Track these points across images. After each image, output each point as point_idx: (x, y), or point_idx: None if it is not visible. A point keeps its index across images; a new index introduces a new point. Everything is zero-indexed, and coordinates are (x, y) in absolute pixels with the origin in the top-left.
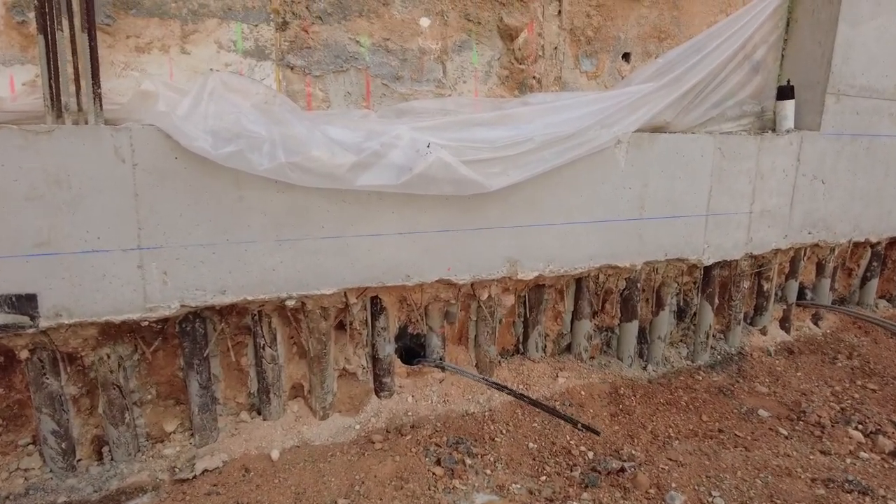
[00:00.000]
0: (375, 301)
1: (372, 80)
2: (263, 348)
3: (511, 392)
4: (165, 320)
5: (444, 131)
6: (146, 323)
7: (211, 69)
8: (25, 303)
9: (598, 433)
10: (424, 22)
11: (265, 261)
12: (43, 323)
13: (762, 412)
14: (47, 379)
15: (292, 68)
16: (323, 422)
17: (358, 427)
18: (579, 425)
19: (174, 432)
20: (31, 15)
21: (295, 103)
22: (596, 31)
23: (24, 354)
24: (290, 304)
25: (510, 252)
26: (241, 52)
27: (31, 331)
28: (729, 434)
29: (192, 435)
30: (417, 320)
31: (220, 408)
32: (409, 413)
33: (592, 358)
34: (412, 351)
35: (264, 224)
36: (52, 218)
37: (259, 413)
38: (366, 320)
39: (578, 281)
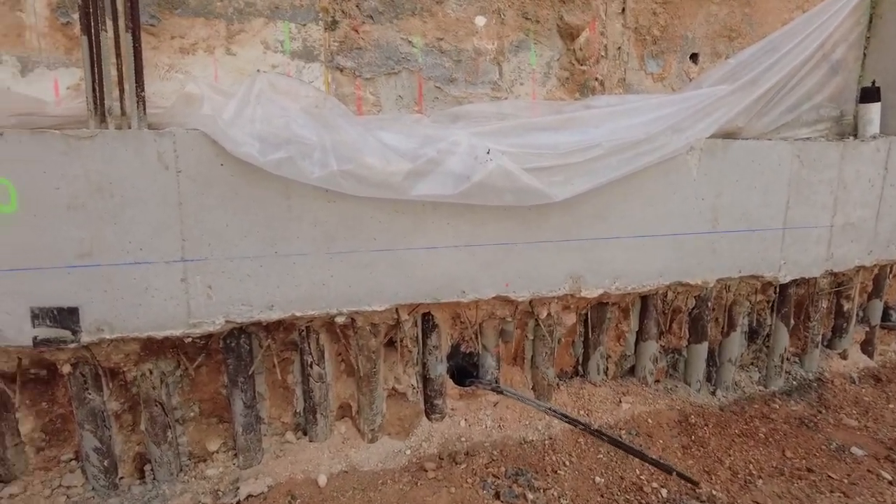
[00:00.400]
0: (427, 318)
1: (424, 82)
2: (311, 366)
3: (576, 423)
4: (209, 336)
5: (503, 136)
6: (189, 339)
7: (258, 70)
8: (67, 316)
9: (696, 484)
10: (480, 21)
11: (315, 274)
12: (84, 338)
13: (856, 450)
14: (89, 394)
15: (342, 70)
16: (372, 445)
17: (409, 452)
18: (674, 473)
19: (217, 452)
20: (76, 16)
21: (346, 107)
22: (662, 30)
23: (66, 369)
24: (339, 320)
25: (573, 267)
26: (289, 53)
27: (72, 345)
28: (820, 475)
29: (235, 455)
30: (471, 339)
31: (264, 427)
32: (463, 438)
33: (658, 382)
34: (464, 371)
35: (314, 236)
36: (94, 228)
37: (305, 434)
38: (416, 338)
39: (644, 299)
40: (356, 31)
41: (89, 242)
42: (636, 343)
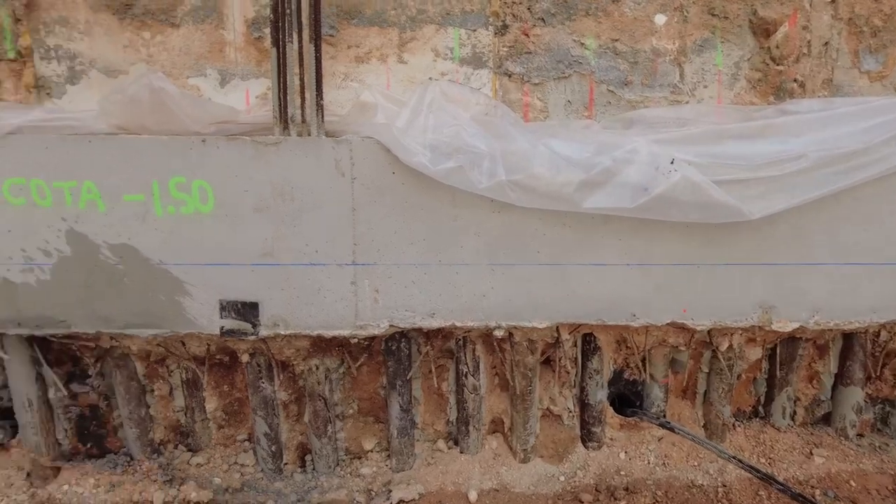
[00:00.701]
0: (589, 339)
1: (596, 86)
2: (466, 376)
3: (762, 476)
4: (372, 337)
5: (688, 144)
6: (355, 339)
7: (430, 78)
8: (249, 311)
9: None
10: (660, 19)
11: (476, 286)
12: (263, 331)
13: None
14: (263, 383)
15: (510, 76)
16: (523, 465)
17: (563, 479)
18: None
19: (372, 451)
20: (266, 30)
21: (515, 114)
22: (886, 19)
23: (245, 358)
24: (498, 333)
25: (763, 295)
26: (458, 60)
27: (251, 338)
28: None
29: (388, 457)
30: (636, 366)
31: (417, 433)
32: (622, 472)
33: (861, 436)
34: (626, 399)
35: (477, 246)
36: (275, 229)
37: (456, 444)
38: (576, 359)
39: (848, 337)
40: (526, 34)
41: (271, 243)
42: (834, 387)
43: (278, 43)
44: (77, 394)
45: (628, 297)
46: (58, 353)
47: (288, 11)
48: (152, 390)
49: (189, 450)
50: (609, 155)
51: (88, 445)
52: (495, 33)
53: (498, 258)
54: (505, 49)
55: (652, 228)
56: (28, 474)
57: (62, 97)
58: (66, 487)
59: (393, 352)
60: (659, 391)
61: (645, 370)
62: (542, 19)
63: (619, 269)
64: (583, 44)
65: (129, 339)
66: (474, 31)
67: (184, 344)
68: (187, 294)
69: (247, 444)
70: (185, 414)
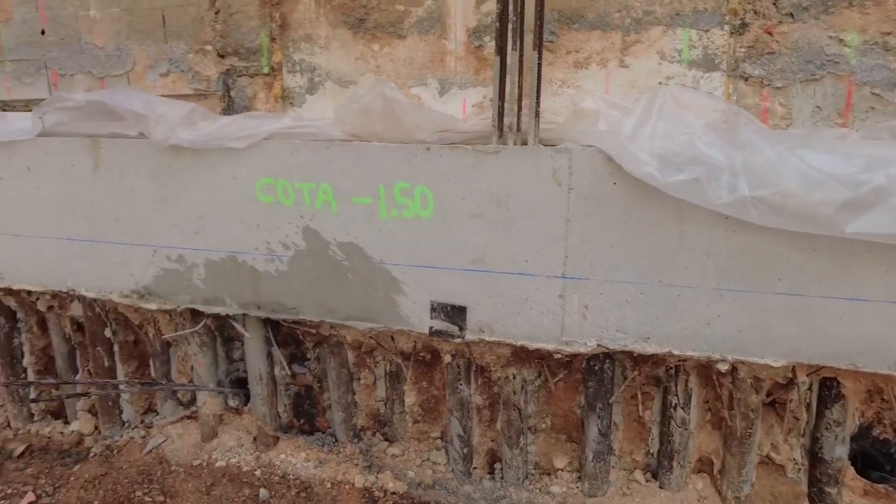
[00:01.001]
0: (829, 384)
1: (856, 88)
2: (674, 408)
3: None
4: (576, 354)
5: None
6: (558, 355)
7: (660, 83)
8: (457, 314)
9: None
10: None
11: (700, 312)
12: (468, 336)
13: None
14: (461, 385)
15: (746, 79)
16: None
17: None
18: None
19: (562, 470)
20: (486, 39)
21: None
22: None
23: (447, 359)
24: (721, 367)
25: None
26: (686, 63)
27: (457, 340)
28: None
29: (580, 479)
30: (893, 423)
31: (613, 459)
32: None
33: None
34: (873, 461)
35: (705, 268)
36: (488, 237)
37: (655, 477)
38: (808, 404)
39: None
40: (769, 33)
41: (483, 249)
42: None
43: (502, 51)
44: (296, 374)
45: (893, 341)
46: (284, 336)
47: (513, 19)
48: (359, 378)
49: (385, 439)
50: (883, 171)
51: (301, 422)
52: (731, 33)
53: (728, 283)
54: (742, 50)
55: None
56: (254, 439)
57: (302, 106)
58: (282, 456)
59: (595, 372)
60: None
61: None
62: (791, 14)
63: (882, 306)
64: (841, 40)
65: (346, 330)
66: (707, 31)
67: (393, 339)
68: (402, 293)
69: (439, 441)
70: (385, 404)
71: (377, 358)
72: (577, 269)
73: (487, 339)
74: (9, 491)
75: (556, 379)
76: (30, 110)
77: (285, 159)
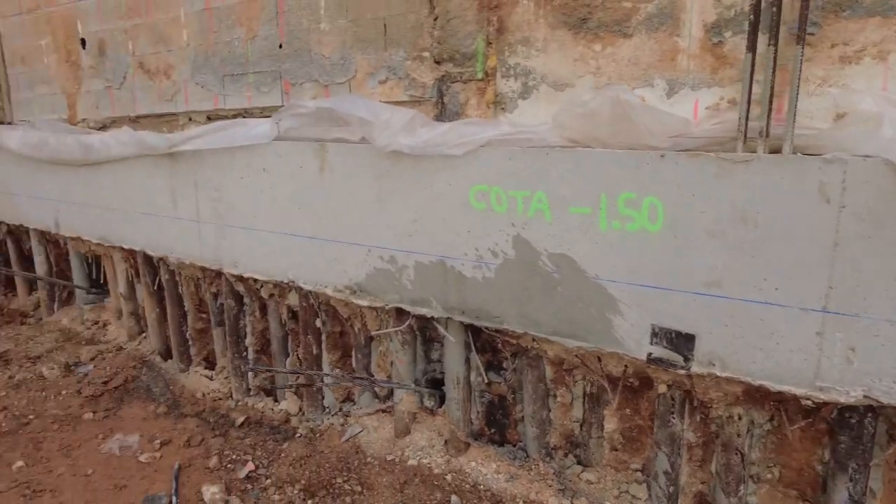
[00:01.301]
0: None
1: None
2: None
3: None
4: (830, 403)
5: None
6: (807, 401)
7: None
8: (683, 342)
9: None
10: None
11: None
12: (695, 368)
13: None
14: (673, 419)
15: None
16: None
17: None
18: None
19: None
20: (727, 34)
21: None
22: None
23: (661, 388)
24: None
25: None
26: None
27: (681, 371)
28: None
29: None
30: None
31: None
32: None
33: None
34: None
35: None
36: (728, 257)
37: None
38: None
39: None
40: None
41: (720, 272)
42: None
43: (753, 46)
44: (492, 382)
45: None
46: (483, 343)
47: (772, 10)
48: (555, 395)
49: (578, 462)
50: None
51: (492, 431)
52: None
53: None
54: None
55: None
56: (445, 442)
57: (514, 111)
58: (472, 464)
59: (850, 425)
60: None
61: None
62: None
63: None
64: None
65: (548, 344)
66: None
67: (599, 360)
68: (619, 313)
69: (639, 474)
70: (582, 427)
71: (577, 377)
72: (845, 303)
73: (718, 373)
74: (233, 456)
75: (794, 426)
76: (266, 116)
77: (501, 166)
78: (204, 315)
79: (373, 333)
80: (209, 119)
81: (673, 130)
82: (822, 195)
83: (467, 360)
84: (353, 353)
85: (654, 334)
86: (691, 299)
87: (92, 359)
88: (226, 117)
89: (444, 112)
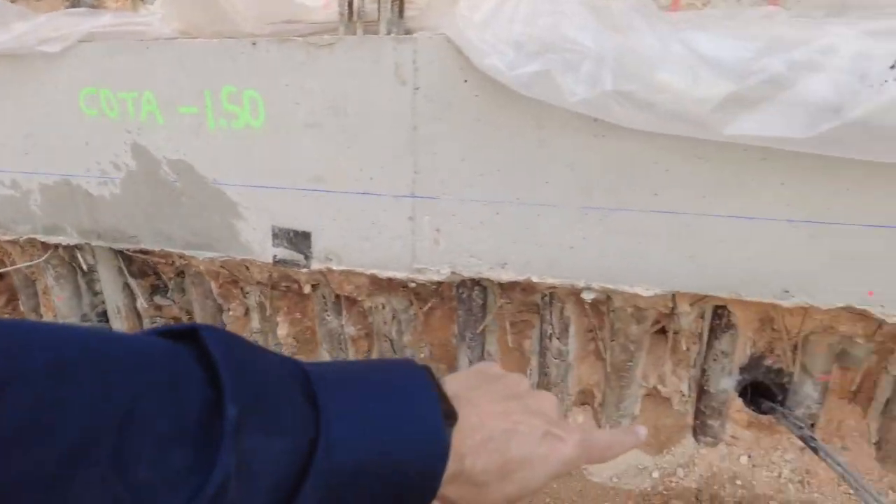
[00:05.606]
0: (721, 312)
1: None
2: (549, 339)
3: None
4: (439, 282)
5: None
6: (413, 284)
7: None
8: (301, 241)
9: None
10: None
11: (562, 234)
12: (314, 265)
13: None
14: (328, 315)
15: None
16: None
17: (656, 475)
18: None
19: None
20: None
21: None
22: None
23: (307, 289)
24: (587, 296)
25: None
26: None
27: (304, 270)
28: None
29: None
30: (784, 353)
31: None
32: (738, 482)
33: None
34: (764, 391)
35: (567, 183)
36: (327, 150)
37: None
38: (700, 334)
39: None
40: None
41: (323, 165)
42: None
43: None
44: (161, 306)
45: (783, 265)
46: (142, 266)
47: None
48: (228, 310)
49: None
50: (782, 56)
51: None
52: None
53: (594, 200)
54: None
55: (835, 172)
56: None
57: (154, 2)
58: None
59: (464, 300)
60: (813, 389)
61: (794, 360)
62: None
63: (774, 226)
64: None
65: (195, 259)
66: None
67: (248, 268)
68: (241, 217)
69: None
70: (262, 336)
71: (245, 288)
72: (428, 186)
73: (335, 268)
74: None
75: (427, 307)
76: None
77: (105, 64)
78: None
79: (7, 270)
80: None
81: (275, 16)
82: (398, 77)
83: (126, 287)
84: (20, 295)
85: (276, 236)
86: (301, 196)
87: None
88: None
89: (77, 4)
